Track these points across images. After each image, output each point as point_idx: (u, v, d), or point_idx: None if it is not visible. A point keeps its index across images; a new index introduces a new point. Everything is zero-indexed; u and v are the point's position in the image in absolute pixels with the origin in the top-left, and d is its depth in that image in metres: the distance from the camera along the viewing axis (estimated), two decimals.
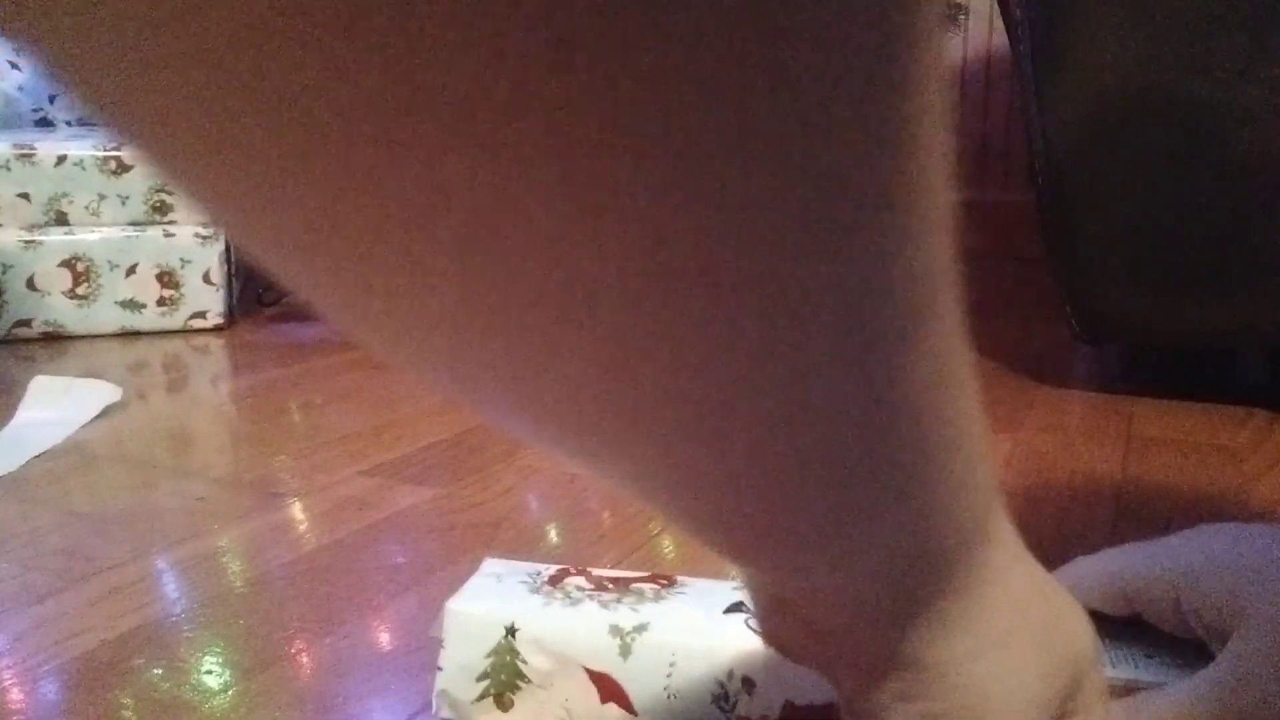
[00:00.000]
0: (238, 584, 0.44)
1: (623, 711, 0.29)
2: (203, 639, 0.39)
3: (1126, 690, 0.27)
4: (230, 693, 0.35)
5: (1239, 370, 0.83)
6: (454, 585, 0.42)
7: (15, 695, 0.35)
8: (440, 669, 0.30)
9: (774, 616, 0.20)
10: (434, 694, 0.30)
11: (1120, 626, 0.29)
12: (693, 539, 0.16)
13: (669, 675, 0.29)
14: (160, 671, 0.36)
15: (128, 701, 0.34)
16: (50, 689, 0.35)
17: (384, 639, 0.39)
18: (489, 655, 0.30)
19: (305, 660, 0.37)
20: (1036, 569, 0.21)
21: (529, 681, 0.30)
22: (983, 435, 0.18)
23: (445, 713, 0.30)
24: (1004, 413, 0.70)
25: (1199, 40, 0.64)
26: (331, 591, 0.43)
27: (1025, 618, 0.20)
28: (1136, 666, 0.27)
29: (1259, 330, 0.69)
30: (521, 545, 0.48)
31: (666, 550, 0.47)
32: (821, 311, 0.11)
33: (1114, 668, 0.28)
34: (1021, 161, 1.58)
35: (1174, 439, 0.64)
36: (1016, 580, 0.20)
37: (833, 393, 0.13)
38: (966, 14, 1.47)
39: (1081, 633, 0.21)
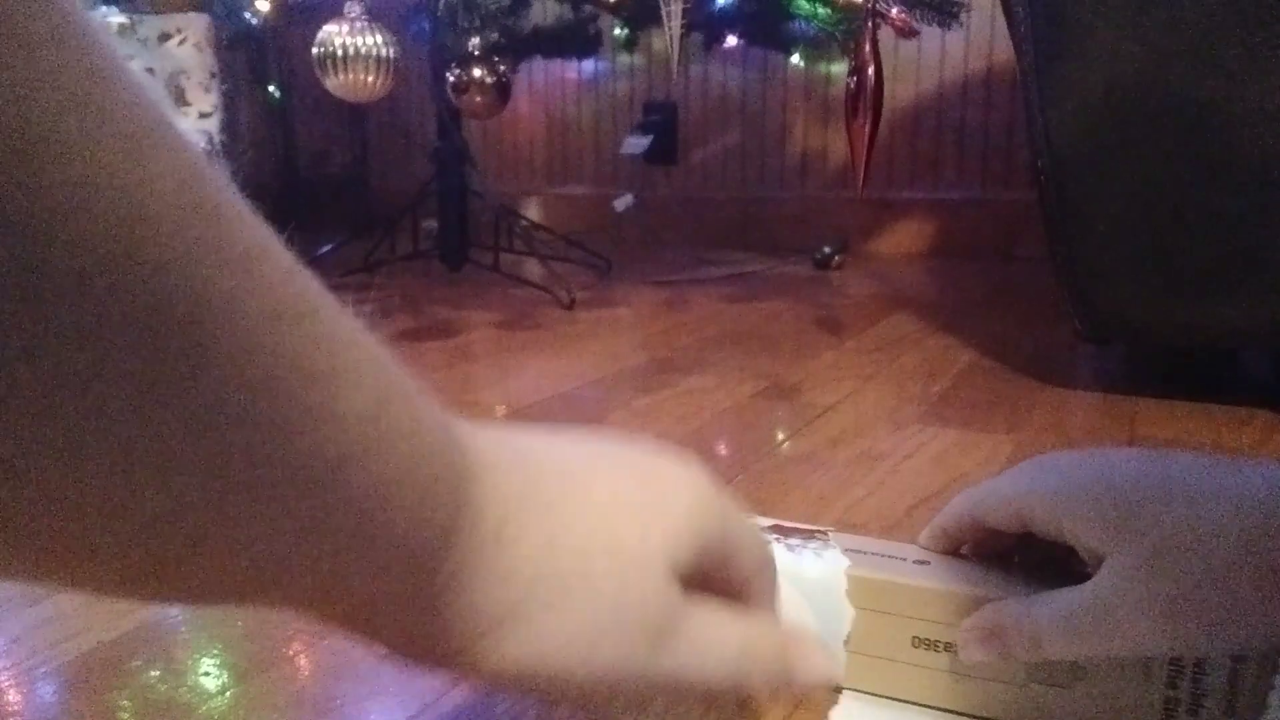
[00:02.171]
0: None
1: None
2: (201, 641, 0.38)
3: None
4: (228, 695, 0.34)
5: (1242, 371, 0.83)
6: None
7: (12, 697, 0.35)
8: None
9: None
10: None
11: (1016, 545, 0.32)
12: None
13: None
14: (158, 673, 0.36)
15: (125, 703, 0.34)
16: (47, 690, 0.35)
17: None
18: None
19: (303, 662, 0.37)
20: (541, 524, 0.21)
21: None
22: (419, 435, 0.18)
23: None
24: (1006, 413, 0.70)
25: (1203, 39, 0.64)
26: None
27: (538, 581, 0.20)
28: (1037, 583, 0.29)
29: (1263, 330, 0.69)
30: None
31: None
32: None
33: (1014, 584, 0.30)
34: (1023, 160, 1.57)
35: (1177, 439, 0.63)
36: (510, 550, 0.20)
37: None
38: (969, 11, 1.47)
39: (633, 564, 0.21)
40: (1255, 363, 0.84)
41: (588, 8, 1.45)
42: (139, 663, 0.37)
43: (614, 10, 1.41)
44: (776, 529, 0.34)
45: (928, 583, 0.31)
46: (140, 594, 0.15)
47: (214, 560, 0.15)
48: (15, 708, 0.34)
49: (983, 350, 0.91)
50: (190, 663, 0.37)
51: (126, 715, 0.33)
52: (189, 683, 0.35)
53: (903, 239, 1.72)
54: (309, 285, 0.15)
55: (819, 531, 0.34)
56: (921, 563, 0.32)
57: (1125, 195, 0.69)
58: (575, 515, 0.21)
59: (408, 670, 0.36)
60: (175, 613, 0.41)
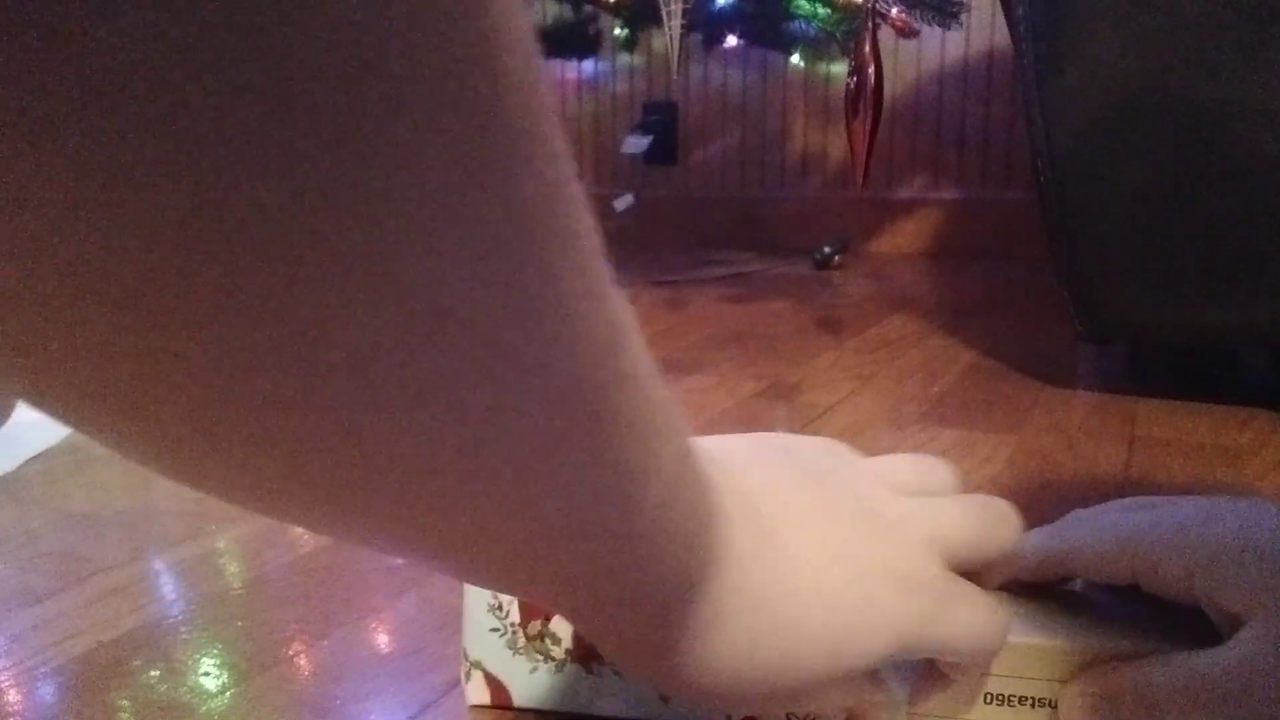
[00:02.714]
0: (235, 585, 0.44)
1: None
2: (200, 641, 0.38)
3: (1127, 657, 0.27)
4: (228, 694, 0.34)
5: (1242, 370, 0.83)
6: (452, 586, 0.42)
7: (12, 697, 0.35)
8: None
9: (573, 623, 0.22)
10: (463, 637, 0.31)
11: (1111, 591, 0.29)
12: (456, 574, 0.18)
13: None
14: (158, 673, 0.36)
15: (125, 703, 0.34)
16: (47, 690, 0.35)
17: (382, 641, 0.39)
18: None
19: (303, 662, 0.37)
20: (789, 566, 0.22)
21: None
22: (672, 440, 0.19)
23: (474, 650, 0.31)
24: (1006, 413, 0.70)
25: (1203, 39, 0.64)
26: (330, 593, 0.42)
27: (765, 616, 0.21)
28: (1142, 636, 0.27)
29: (1263, 330, 0.69)
30: None
31: None
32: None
33: (1113, 636, 0.28)
34: (1023, 160, 1.57)
35: (1177, 439, 0.63)
36: (756, 577, 0.21)
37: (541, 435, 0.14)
38: (968, 11, 1.47)
39: (848, 640, 0.23)
40: (1255, 363, 0.84)
41: (588, 8, 1.45)
42: (139, 662, 0.37)
43: (614, 10, 1.41)
44: None
45: (1008, 635, 0.28)
46: (420, 549, 0.16)
47: (499, 548, 0.16)
48: (15, 707, 0.34)
49: (983, 350, 0.91)
50: (190, 663, 0.37)
51: (126, 715, 0.33)
52: (189, 683, 0.35)
53: (902, 239, 1.72)
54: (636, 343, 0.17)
55: None
56: None
57: (1125, 195, 0.69)
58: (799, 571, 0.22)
59: (407, 671, 0.36)
60: (175, 613, 0.41)
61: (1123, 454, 0.61)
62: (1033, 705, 0.28)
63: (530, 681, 0.31)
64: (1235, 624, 0.24)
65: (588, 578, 0.18)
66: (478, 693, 0.31)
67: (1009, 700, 0.28)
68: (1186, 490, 0.55)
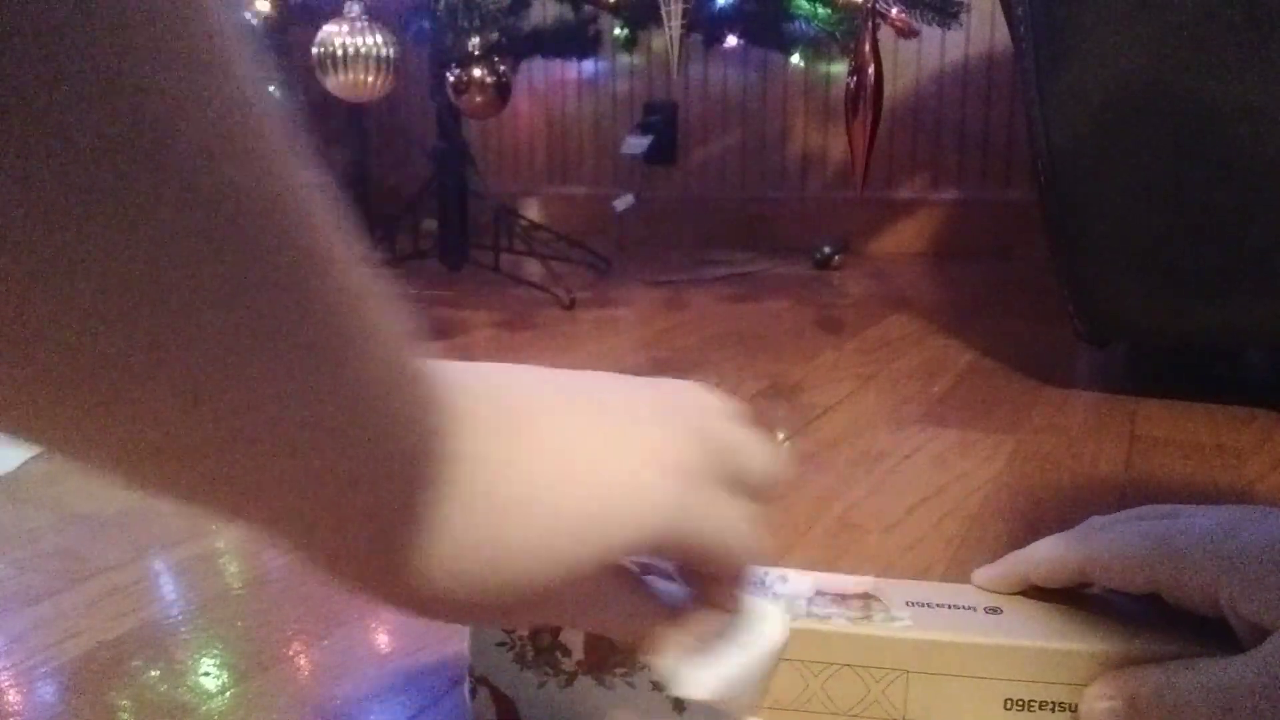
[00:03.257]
0: (236, 586, 0.44)
1: None
2: (201, 641, 0.38)
3: (1147, 660, 0.27)
4: (228, 694, 0.34)
5: (1242, 370, 0.83)
6: None
7: (12, 697, 0.35)
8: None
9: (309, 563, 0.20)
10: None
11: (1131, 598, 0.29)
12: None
13: None
14: (158, 673, 0.36)
15: (125, 703, 0.34)
16: (47, 690, 0.35)
17: (383, 641, 0.39)
18: None
19: (304, 662, 0.37)
20: (523, 439, 0.21)
21: None
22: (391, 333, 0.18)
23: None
24: (1006, 413, 0.70)
25: (1203, 38, 0.64)
26: (330, 593, 0.42)
27: (511, 492, 0.20)
28: (1162, 639, 0.27)
29: (1263, 330, 0.69)
30: None
31: None
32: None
33: (1133, 639, 0.27)
34: (1023, 160, 1.57)
35: (1177, 439, 0.64)
36: (487, 470, 0.20)
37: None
38: (968, 11, 1.47)
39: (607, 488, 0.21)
40: (1255, 362, 0.84)
41: (588, 8, 1.45)
42: (139, 662, 0.37)
43: (614, 10, 1.41)
44: (819, 595, 0.31)
45: (1024, 640, 0.28)
46: (136, 475, 0.16)
47: (210, 448, 0.16)
48: (15, 707, 0.34)
49: (982, 350, 0.91)
50: (190, 663, 0.37)
51: (126, 715, 0.33)
52: (189, 683, 0.35)
53: (902, 239, 1.72)
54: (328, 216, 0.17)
55: (868, 596, 0.31)
56: (992, 610, 0.30)
57: (1125, 195, 0.69)
58: (554, 433, 0.22)
59: (405, 674, 0.36)
60: (175, 613, 0.41)
61: (1122, 453, 0.61)
62: (1053, 710, 0.28)
63: (539, 695, 0.30)
64: (1259, 634, 0.24)
65: (299, 486, 0.17)
66: (484, 709, 0.31)
67: (1029, 706, 0.28)
68: (1186, 490, 0.55)
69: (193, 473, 0.16)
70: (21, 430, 0.14)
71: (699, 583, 0.25)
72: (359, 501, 0.18)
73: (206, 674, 0.36)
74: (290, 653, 0.37)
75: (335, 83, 1.02)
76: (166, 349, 0.14)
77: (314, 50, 1.01)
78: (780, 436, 0.66)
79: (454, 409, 0.20)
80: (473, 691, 0.31)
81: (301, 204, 0.15)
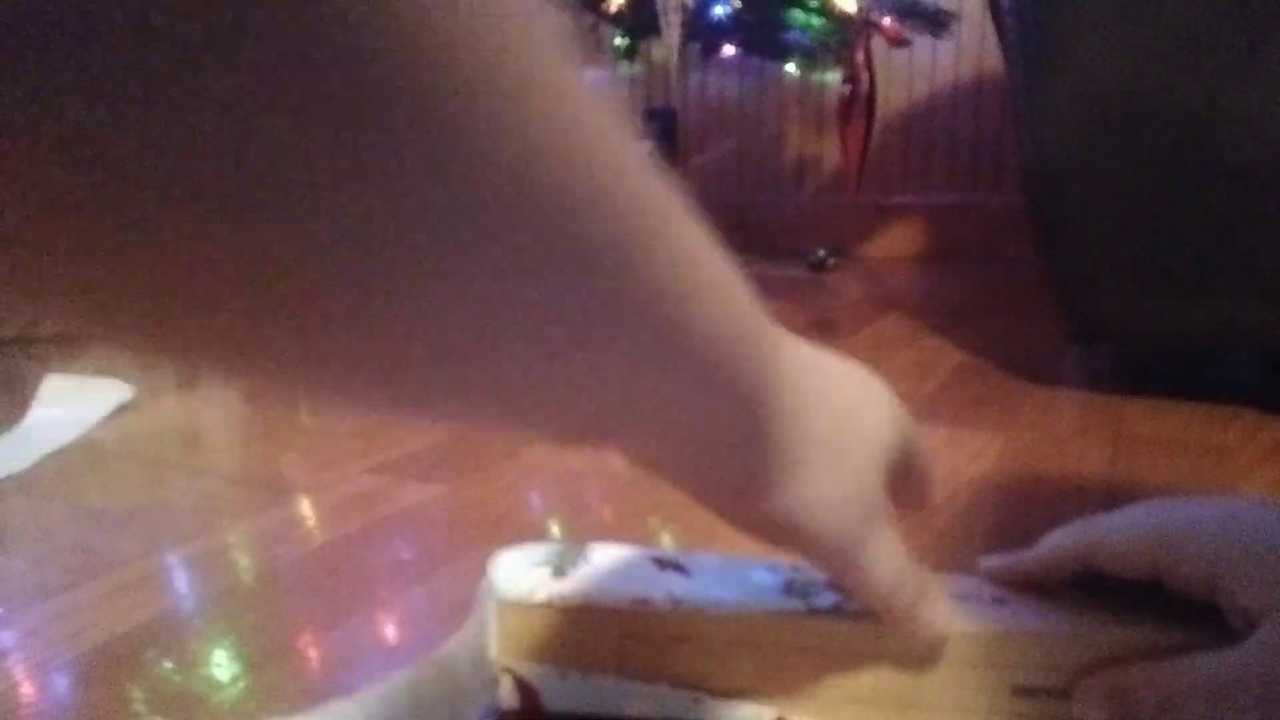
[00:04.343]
0: (247, 579, 0.44)
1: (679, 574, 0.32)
2: (213, 633, 0.39)
3: (1149, 648, 0.28)
4: (240, 685, 0.35)
5: (1227, 370, 0.84)
6: (459, 579, 0.43)
7: (28, 689, 0.35)
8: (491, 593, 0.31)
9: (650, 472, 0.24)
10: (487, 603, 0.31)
11: (1130, 585, 0.29)
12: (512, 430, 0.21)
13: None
14: (171, 665, 0.37)
15: (139, 694, 0.35)
16: (63, 682, 0.36)
17: (391, 632, 0.39)
18: (547, 555, 0.33)
19: (313, 654, 0.38)
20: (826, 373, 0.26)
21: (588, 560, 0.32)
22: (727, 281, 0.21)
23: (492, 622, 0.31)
24: (994, 412, 0.71)
25: (1190, 44, 0.65)
26: (339, 586, 0.43)
27: (830, 425, 0.25)
28: (1164, 628, 0.28)
29: (1247, 330, 0.70)
30: (525, 540, 0.48)
31: (668, 546, 0.48)
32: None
33: (1137, 627, 0.28)
34: (1013, 165, 1.59)
35: (1163, 438, 0.65)
36: (814, 393, 0.25)
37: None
38: (959, 21, 1.48)
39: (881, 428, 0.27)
40: (1240, 362, 0.85)
41: (588, 17, 1.46)
42: (153, 654, 0.37)
43: (614, 20, 1.42)
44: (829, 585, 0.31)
45: (1031, 628, 0.28)
46: (511, 421, 0.19)
47: (571, 392, 0.18)
48: (32, 699, 0.35)
49: (972, 350, 0.92)
50: (203, 655, 0.38)
51: (140, 706, 0.34)
52: (202, 674, 0.36)
53: (895, 242, 1.73)
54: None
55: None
56: (998, 600, 0.30)
57: (1112, 199, 0.70)
58: (837, 405, 0.26)
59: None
60: (188, 606, 0.42)
61: (1109, 451, 0.62)
62: (1061, 696, 0.28)
63: (562, 685, 0.31)
64: (1252, 621, 0.24)
65: (667, 432, 0.21)
66: (508, 698, 0.31)
67: (1035, 692, 0.28)
68: (1171, 487, 0.56)
69: (578, 415, 0.19)
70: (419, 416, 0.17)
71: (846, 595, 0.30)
72: (722, 449, 0.22)
73: (219, 665, 0.37)
74: (300, 645, 0.38)
75: None
76: (556, 341, 0.16)
77: None
78: None
79: (781, 365, 0.23)
80: (496, 681, 0.31)
81: (641, 179, 0.18)
